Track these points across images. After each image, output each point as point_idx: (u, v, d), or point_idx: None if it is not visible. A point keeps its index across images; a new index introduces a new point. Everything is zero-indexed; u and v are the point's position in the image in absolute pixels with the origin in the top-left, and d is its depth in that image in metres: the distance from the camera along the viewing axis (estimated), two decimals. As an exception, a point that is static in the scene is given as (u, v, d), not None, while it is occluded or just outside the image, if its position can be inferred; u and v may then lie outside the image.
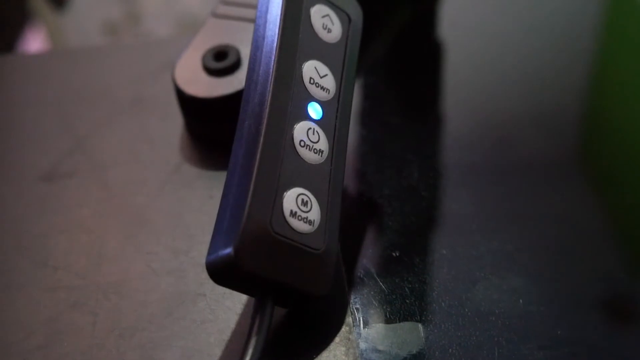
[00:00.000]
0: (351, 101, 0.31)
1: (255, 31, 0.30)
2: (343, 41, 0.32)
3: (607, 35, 0.46)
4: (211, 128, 0.37)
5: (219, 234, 0.27)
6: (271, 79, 0.28)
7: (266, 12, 0.30)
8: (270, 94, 0.28)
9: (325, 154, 0.29)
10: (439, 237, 0.33)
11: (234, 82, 0.36)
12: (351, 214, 0.33)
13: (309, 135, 0.29)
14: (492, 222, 0.34)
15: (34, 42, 0.54)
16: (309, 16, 0.31)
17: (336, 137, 0.30)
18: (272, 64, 0.29)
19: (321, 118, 0.29)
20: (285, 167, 0.28)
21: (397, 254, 0.32)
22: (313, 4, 0.31)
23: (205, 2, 0.55)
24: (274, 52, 0.29)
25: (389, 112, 0.40)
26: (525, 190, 0.35)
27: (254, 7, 0.31)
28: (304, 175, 0.28)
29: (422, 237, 0.33)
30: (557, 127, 0.39)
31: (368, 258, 0.32)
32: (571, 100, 0.41)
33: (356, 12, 0.33)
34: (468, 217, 0.33)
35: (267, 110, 0.28)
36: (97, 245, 0.33)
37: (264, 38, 0.30)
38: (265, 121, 0.28)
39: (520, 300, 0.30)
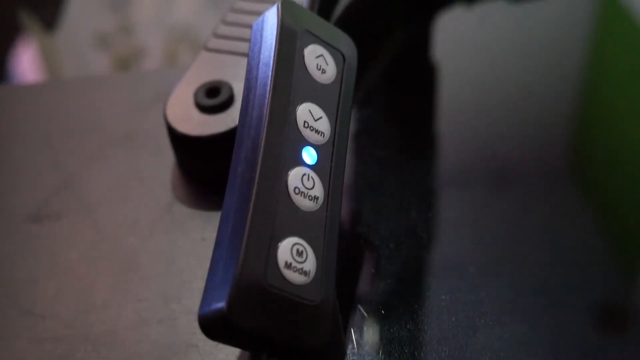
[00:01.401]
0: (347, 143, 0.30)
1: (248, 72, 0.29)
2: (337, 81, 0.31)
3: (603, 56, 0.46)
4: (204, 166, 0.36)
5: (212, 287, 0.26)
6: (264, 123, 0.28)
7: (259, 52, 0.29)
8: (263, 139, 0.27)
9: (321, 200, 0.28)
10: (438, 281, 0.32)
11: (227, 120, 0.35)
12: (347, 258, 0.33)
13: (303, 181, 0.28)
14: (492, 265, 0.33)
15: (26, 56, 0.53)
16: (303, 57, 0.30)
17: (331, 181, 0.29)
18: (266, 107, 0.28)
19: (316, 163, 0.29)
20: (280, 216, 0.27)
21: (396, 301, 0.31)
22: (307, 44, 0.30)
23: (197, 14, 0.55)
24: (267, 95, 0.28)
25: (384, 145, 0.39)
26: (527, 231, 0.34)
27: (248, 40, 0.30)
28: (299, 223, 0.27)
29: (420, 282, 0.32)
30: (560, 161, 0.38)
31: (365, 305, 0.31)
32: (576, 131, 0.41)
33: (350, 51, 0.32)
34: (467, 259, 0.33)
35: (260, 156, 0.27)
36: (86, 292, 0.32)
37: (257, 79, 0.29)
38: (258, 168, 0.27)
39: (523, 351, 0.29)
